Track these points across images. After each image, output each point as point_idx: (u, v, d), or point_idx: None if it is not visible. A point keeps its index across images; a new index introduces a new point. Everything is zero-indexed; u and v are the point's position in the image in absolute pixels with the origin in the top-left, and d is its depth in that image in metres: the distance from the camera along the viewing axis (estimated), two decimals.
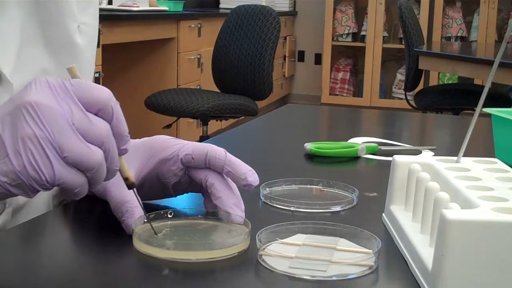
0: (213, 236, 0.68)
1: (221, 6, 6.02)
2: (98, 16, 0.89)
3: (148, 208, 0.69)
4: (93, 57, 0.87)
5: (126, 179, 0.63)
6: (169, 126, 3.65)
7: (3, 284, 0.57)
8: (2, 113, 0.56)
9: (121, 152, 0.60)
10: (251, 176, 0.70)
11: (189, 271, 0.61)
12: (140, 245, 0.64)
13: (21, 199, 0.81)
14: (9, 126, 0.55)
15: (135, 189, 0.65)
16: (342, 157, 1.07)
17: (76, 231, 0.75)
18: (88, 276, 0.61)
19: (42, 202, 0.85)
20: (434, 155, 1.03)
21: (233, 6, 3.93)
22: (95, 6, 0.87)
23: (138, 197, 0.67)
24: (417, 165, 0.70)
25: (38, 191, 0.56)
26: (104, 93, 0.57)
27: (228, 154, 0.71)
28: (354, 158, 1.07)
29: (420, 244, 0.62)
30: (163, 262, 0.62)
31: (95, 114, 0.57)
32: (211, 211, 0.71)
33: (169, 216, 0.70)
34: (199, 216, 0.71)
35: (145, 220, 0.68)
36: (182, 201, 0.78)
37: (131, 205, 0.68)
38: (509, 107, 3.71)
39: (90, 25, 0.85)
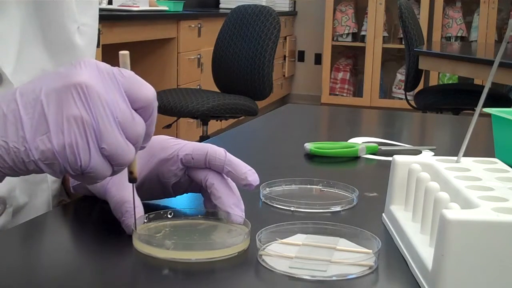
0: (213, 236, 0.68)
1: (221, 6, 6.02)
2: (98, 16, 0.89)
3: (148, 208, 0.70)
4: (92, 57, 0.87)
5: (131, 173, 0.62)
6: (169, 126, 3.65)
7: (3, 284, 0.57)
8: (47, 89, 0.54)
9: (142, 148, 0.59)
10: (252, 176, 0.70)
11: (189, 271, 0.61)
12: (140, 245, 0.64)
13: (21, 199, 0.81)
14: (55, 103, 0.53)
15: (134, 185, 0.64)
16: (342, 157, 1.07)
17: (76, 231, 0.75)
18: (88, 276, 0.61)
19: (42, 202, 0.85)
20: (434, 155, 1.03)
21: (233, 6, 3.93)
22: (95, 7, 0.87)
23: (136, 194, 0.67)
24: (417, 165, 0.70)
25: (67, 173, 0.55)
26: (150, 92, 0.56)
27: (228, 154, 0.71)
28: (354, 158, 1.07)
29: (420, 244, 0.62)
30: (163, 262, 0.62)
31: (136, 110, 0.56)
32: (211, 211, 0.71)
33: (169, 216, 0.70)
34: (199, 216, 0.71)
35: (145, 221, 0.68)
36: (181, 201, 0.78)
37: (130, 205, 0.67)
38: (509, 107, 3.71)
39: (90, 26, 0.85)
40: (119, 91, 0.55)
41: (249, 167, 0.71)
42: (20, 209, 0.81)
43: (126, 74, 0.56)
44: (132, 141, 0.56)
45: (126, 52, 0.59)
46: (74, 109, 0.53)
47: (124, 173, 0.61)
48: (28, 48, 0.77)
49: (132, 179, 0.62)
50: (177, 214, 0.71)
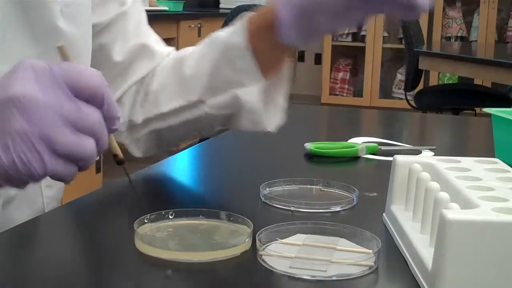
0: (215, 236, 0.68)
1: (221, 6, 6.01)
2: None
3: (149, 209, 0.70)
4: (84, 41, 0.83)
5: (115, 156, 0.61)
6: None
7: (2, 285, 0.57)
8: None
9: (111, 131, 0.58)
10: None
11: (189, 271, 0.61)
12: (141, 246, 0.64)
13: (11, 191, 0.80)
14: None
15: (125, 165, 0.63)
16: (342, 157, 1.07)
17: (76, 231, 0.74)
18: (88, 277, 0.61)
19: (33, 193, 0.84)
20: (434, 155, 1.03)
21: (233, 6, 3.92)
22: None
23: (128, 173, 0.66)
24: (418, 165, 0.70)
25: (30, 182, 0.55)
26: (94, 79, 0.55)
27: None
28: (354, 158, 1.07)
29: (420, 244, 0.62)
30: (165, 263, 0.62)
31: (85, 100, 0.55)
32: (213, 211, 0.71)
33: (170, 216, 0.70)
34: (201, 216, 0.71)
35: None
36: (183, 202, 0.78)
37: None
38: (509, 107, 3.71)
39: (74, 6, 0.81)
40: (60, 87, 0.54)
41: None
42: (11, 200, 0.81)
43: (64, 67, 0.54)
44: (87, 133, 0.55)
45: (62, 44, 0.57)
46: (15, 123, 0.53)
47: None
48: (11, 35, 0.74)
49: (118, 162, 0.61)
50: (179, 215, 0.71)
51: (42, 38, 0.77)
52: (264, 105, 0.81)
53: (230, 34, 0.80)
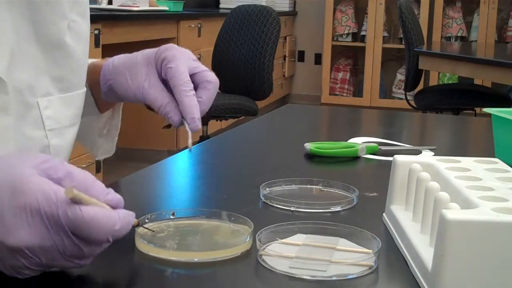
0: (216, 236, 0.68)
1: (221, 6, 6.01)
2: (88, 14, 0.88)
3: (150, 209, 0.69)
4: (84, 55, 0.87)
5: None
6: (169, 126, 3.64)
7: (4, 285, 0.57)
8: None
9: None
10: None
11: (189, 271, 0.61)
12: (142, 245, 0.64)
13: None
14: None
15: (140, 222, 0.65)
16: (342, 157, 1.07)
17: None
18: (89, 276, 0.61)
19: None
20: (434, 155, 1.03)
21: (233, 6, 3.93)
22: (83, 4, 0.86)
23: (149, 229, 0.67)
24: (418, 165, 0.70)
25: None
26: (101, 235, 0.56)
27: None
28: (354, 158, 1.07)
29: (420, 244, 0.62)
30: (165, 263, 0.62)
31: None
32: (214, 212, 0.71)
33: (171, 216, 0.70)
34: (201, 216, 0.71)
35: (145, 222, 0.68)
36: (183, 202, 0.78)
37: (171, 104, 0.78)
38: (509, 107, 3.71)
39: (79, 23, 0.84)
40: (65, 233, 0.55)
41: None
42: None
43: (72, 217, 0.55)
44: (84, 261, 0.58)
45: (73, 190, 0.55)
46: (18, 263, 0.56)
47: (153, 74, 0.79)
48: (22, 46, 0.77)
49: (134, 226, 0.62)
50: (179, 214, 0.71)
51: (50, 50, 0.80)
52: (99, 134, 0.95)
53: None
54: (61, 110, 0.82)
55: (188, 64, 0.79)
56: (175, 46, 0.81)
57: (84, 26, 0.86)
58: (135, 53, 0.84)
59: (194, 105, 0.77)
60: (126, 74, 0.82)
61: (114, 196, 0.59)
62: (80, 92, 0.86)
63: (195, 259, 0.62)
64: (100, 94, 0.88)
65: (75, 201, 0.54)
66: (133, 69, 0.82)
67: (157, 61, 0.80)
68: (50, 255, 0.56)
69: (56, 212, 0.55)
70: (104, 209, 0.57)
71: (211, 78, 0.81)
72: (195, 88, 0.79)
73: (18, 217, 0.55)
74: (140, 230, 0.66)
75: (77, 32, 0.84)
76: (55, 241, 0.55)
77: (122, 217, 0.57)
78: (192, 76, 0.79)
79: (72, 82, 0.83)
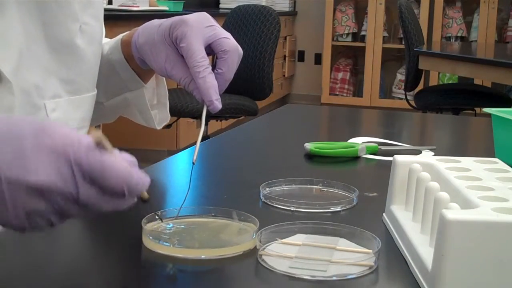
0: (222, 234, 0.69)
1: (221, 6, 6.01)
2: (101, 16, 0.88)
3: (157, 207, 0.69)
4: (96, 57, 0.87)
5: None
6: (169, 126, 3.64)
7: (7, 284, 0.57)
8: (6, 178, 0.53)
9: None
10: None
11: (188, 271, 0.61)
12: (149, 243, 0.65)
13: None
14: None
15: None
16: (342, 157, 1.07)
17: (83, 228, 0.74)
18: (96, 273, 0.61)
19: None
20: (434, 155, 1.03)
21: (233, 6, 3.93)
22: (96, 6, 0.87)
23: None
24: (418, 165, 0.70)
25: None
26: (119, 182, 0.55)
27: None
28: (354, 158, 1.07)
29: (420, 244, 0.62)
30: (170, 259, 0.62)
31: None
32: (223, 210, 0.71)
33: (179, 214, 0.71)
34: (211, 214, 0.72)
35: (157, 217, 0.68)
36: (192, 200, 0.78)
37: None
38: (509, 107, 3.71)
39: (91, 25, 0.85)
40: (83, 174, 0.54)
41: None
42: None
43: (92, 162, 0.54)
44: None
45: (98, 134, 0.56)
46: (30, 204, 0.54)
47: (172, 52, 0.76)
48: (31, 47, 0.77)
49: (143, 200, 0.61)
50: (187, 212, 0.71)
51: (59, 52, 0.80)
52: (150, 105, 0.95)
53: (111, 52, 0.90)
54: (69, 112, 0.82)
55: (203, 35, 0.77)
56: (186, 19, 0.79)
57: (97, 28, 0.87)
58: (154, 27, 0.81)
59: (209, 87, 0.75)
60: (149, 54, 0.81)
61: (130, 157, 0.58)
62: (90, 95, 0.86)
63: (203, 256, 0.63)
64: (138, 66, 0.87)
65: (100, 146, 0.55)
66: (154, 49, 0.80)
67: (172, 39, 0.78)
68: (67, 198, 0.54)
69: (78, 154, 0.54)
70: (124, 161, 0.56)
71: (227, 47, 0.78)
72: (216, 58, 0.77)
73: (42, 156, 0.54)
74: (147, 226, 0.66)
75: (90, 35, 0.84)
76: (75, 184, 0.54)
77: (138, 173, 0.57)
78: (209, 46, 0.77)
79: (82, 84, 0.83)
